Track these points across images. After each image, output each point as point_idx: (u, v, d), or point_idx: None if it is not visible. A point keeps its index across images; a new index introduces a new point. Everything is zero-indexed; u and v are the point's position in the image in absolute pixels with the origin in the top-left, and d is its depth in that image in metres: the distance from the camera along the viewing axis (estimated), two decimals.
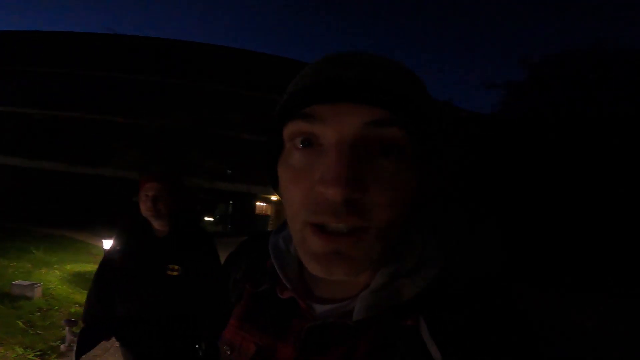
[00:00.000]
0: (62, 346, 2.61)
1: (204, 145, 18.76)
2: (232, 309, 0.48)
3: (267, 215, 21.05)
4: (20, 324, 3.42)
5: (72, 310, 4.09)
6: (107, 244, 4.49)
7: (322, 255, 0.33)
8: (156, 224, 1.51)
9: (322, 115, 0.32)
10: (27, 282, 4.29)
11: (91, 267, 6.16)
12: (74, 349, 1.39)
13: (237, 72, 20.11)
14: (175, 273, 1.40)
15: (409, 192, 0.34)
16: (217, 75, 19.86)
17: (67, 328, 1.69)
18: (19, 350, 2.94)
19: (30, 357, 2.87)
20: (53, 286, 4.78)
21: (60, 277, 5.35)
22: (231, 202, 20.34)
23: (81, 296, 4.50)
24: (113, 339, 1.49)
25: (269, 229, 0.57)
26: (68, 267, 6.07)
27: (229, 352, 0.45)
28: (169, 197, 1.47)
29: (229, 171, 19.89)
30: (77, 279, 5.36)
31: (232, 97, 20.00)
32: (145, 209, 1.46)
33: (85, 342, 1.41)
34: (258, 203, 21.59)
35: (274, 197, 21.93)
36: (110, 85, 19.12)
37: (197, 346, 0.54)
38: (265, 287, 0.45)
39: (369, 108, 0.32)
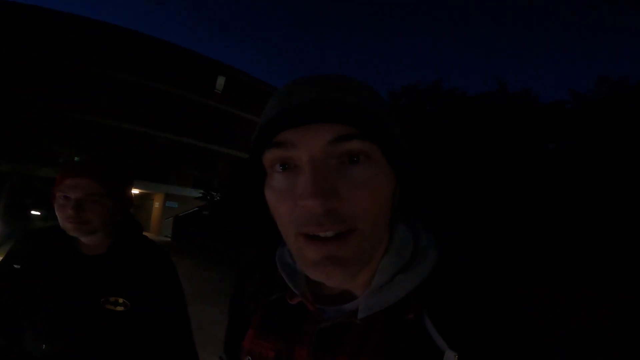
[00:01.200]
0: None
1: (47, 128, 15.40)
2: (249, 319, 0.50)
3: None
4: None
5: None
6: None
7: (318, 261, 0.36)
8: (85, 239, 1.01)
9: (292, 140, 0.35)
10: None
11: None
12: None
13: (96, 46, 17.17)
14: (120, 308, 0.96)
15: (385, 194, 0.37)
16: (69, 47, 16.56)
17: None
18: None
19: None
20: None
21: None
22: None
23: None
24: None
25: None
26: None
27: None
28: (107, 202, 0.98)
29: (76, 158, 16.85)
30: None
31: (93, 76, 17.05)
32: (64, 218, 0.95)
33: None
34: None
35: (134, 191, 19.56)
36: None
37: (219, 357, 0.56)
38: (276, 296, 0.48)
39: (330, 126, 0.35)
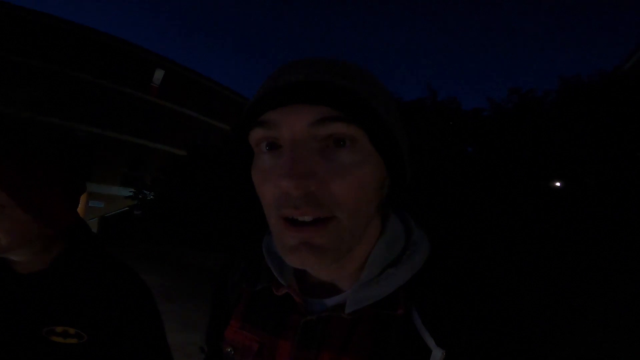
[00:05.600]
0: None
1: None
2: (232, 310, 0.49)
3: None
4: None
5: None
6: None
7: (294, 246, 0.35)
8: (12, 255, 0.74)
9: (275, 120, 0.35)
10: None
11: None
12: None
13: (8, 31, 15.17)
14: (72, 340, 0.71)
15: (369, 184, 0.36)
16: None
17: None
18: None
19: None
20: None
21: None
22: None
23: None
24: None
25: None
26: None
27: (232, 352, 0.46)
28: (16, 215, 0.69)
29: None
30: None
31: (3, 63, 14.90)
32: None
33: None
34: None
35: None
36: None
37: (200, 348, 0.54)
38: (261, 286, 0.47)
39: (313, 107, 0.34)
